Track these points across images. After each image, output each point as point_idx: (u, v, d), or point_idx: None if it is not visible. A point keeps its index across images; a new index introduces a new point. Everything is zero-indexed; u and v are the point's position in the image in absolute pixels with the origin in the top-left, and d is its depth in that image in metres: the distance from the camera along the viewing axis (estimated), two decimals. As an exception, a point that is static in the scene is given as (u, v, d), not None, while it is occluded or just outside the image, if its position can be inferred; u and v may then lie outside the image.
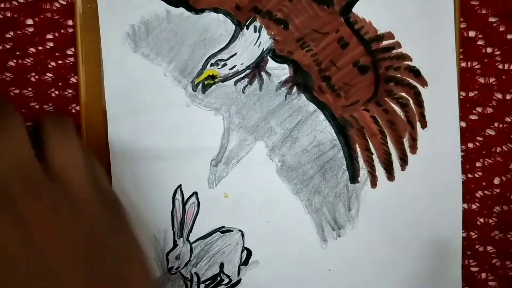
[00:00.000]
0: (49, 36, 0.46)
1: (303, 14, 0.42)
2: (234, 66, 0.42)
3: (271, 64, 0.42)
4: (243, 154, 0.43)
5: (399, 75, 0.42)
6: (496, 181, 0.45)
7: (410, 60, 0.42)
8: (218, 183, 0.43)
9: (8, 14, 0.46)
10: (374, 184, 0.43)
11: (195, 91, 0.42)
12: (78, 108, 0.45)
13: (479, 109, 0.45)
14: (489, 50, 0.45)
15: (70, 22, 0.45)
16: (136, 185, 0.43)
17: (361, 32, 0.42)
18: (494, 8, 0.45)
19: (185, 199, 0.42)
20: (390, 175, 0.43)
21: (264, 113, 0.43)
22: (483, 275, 0.46)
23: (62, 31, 0.45)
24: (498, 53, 0.45)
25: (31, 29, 0.46)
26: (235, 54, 0.42)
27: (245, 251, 0.43)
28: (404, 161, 0.43)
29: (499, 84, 0.45)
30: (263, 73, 0.42)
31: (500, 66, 0.45)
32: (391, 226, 0.43)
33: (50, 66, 0.46)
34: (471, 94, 0.45)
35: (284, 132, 0.43)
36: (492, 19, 0.45)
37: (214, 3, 0.42)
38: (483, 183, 0.45)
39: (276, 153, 0.43)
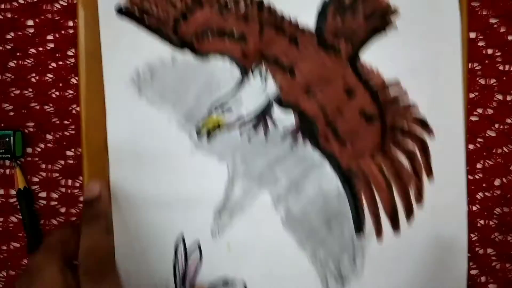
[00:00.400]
0: (49, 37, 0.45)
1: (310, 61, 0.41)
2: (240, 113, 0.41)
3: (276, 111, 0.42)
4: (247, 204, 0.42)
5: (406, 125, 0.42)
6: (497, 182, 0.45)
7: (417, 109, 0.42)
8: (221, 232, 0.42)
9: (9, 15, 0.45)
10: (379, 235, 0.42)
11: (199, 138, 0.41)
12: (78, 108, 0.44)
13: (479, 110, 0.45)
14: (490, 51, 0.45)
15: (70, 23, 0.44)
16: (138, 231, 0.42)
17: (368, 80, 0.42)
18: (494, 10, 0.44)
19: (187, 248, 0.41)
20: (396, 227, 0.42)
21: (269, 162, 0.42)
22: (483, 278, 0.45)
23: (63, 32, 0.45)
24: (498, 54, 0.45)
25: (31, 30, 0.45)
26: (240, 100, 0.41)
27: (248, 305, 0.42)
28: (410, 213, 0.42)
29: (499, 85, 0.45)
30: (268, 121, 0.42)
31: (501, 67, 0.45)
32: (396, 279, 0.42)
33: (50, 67, 0.45)
34: (472, 95, 0.45)
35: (289, 182, 0.42)
36: (492, 20, 0.44)
37: (220, 48, 0.41)
38: (484, 185, 0.45)
39: (281, 203, 0.42)
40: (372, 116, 0.42)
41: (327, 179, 0.42)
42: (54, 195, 0.46)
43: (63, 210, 0.46)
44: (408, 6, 0.41)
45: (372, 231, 0.42)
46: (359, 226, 0.42)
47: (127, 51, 0.41)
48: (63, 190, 0.46)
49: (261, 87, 0.41)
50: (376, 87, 0.42)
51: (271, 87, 0.41)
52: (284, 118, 0.42)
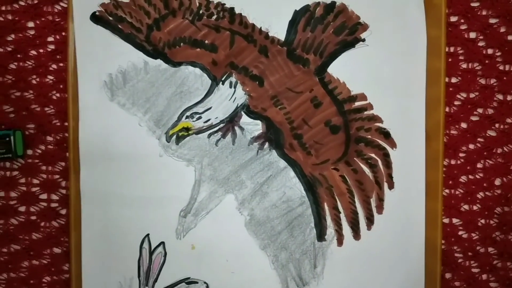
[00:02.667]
0: (50, 39, 0.46)
1: (279, 72, 0.43)
2: (209, 120, 0.43)
3: (244, 119, 0.43)
4: (213, 206, 0.43)
5: (369, 136, 0.43)
6: (497, 182, 0.46)
7: (381, 121, 0.43)
8: (186, 234, 0.43)
9: (9, 17, 0.46)
10: (340, 242, 0.43)
11: (168, 142, 0.43)
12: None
13: (480, 110, 0.45)
14: (490, 51, 0.45)
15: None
16: (105, 230, 0.43)
17: (335, 92, 0.43)
18: (494, 10, 0.45)
19: (152, 248, 0.43)
20: (356, 234, 0.43)
21: (236, 167, 0.43)
22: (484, 276, 0.46)
23: (63, 33, 0.45)
24: (498, 54, 0.45)
25: (32, 32, 0.46)
26: (210, 108, 0.43)
27: (208, 305, 0.43)
28: (370, 221, 0.43)
29: (500, 85, 0.45)
30: (236, 128, 0.43)
31: (501, 67, 0.45)
32: (355, 285, 0.43)
33: (51, 68, 0.46)
34: (472, 95, 0.45)
35: (254, 186, 0.43)
36: (492, 20, 0.45)
37: (191, 57, 0.43)
38: (484, 184, 0.45)
39: (246, 206, 0.43)
40: (337, 127, 0.43)
41: (291, 186, 0.43)
42: (55, 197, 0.46)
43: (63, 212, 0.46)
44: (378, 22, 0.43)
45: (333, 237, 0.43)
46: (320, 233, 0.43)
47: (101, 56, 0.42)
48: (64, 192, 0.46)
49: (230, 95, 0.43)
50: (343, 99, 0.43)
51: (240, 95, 0.43)
52: (252, 126, 0.43)
